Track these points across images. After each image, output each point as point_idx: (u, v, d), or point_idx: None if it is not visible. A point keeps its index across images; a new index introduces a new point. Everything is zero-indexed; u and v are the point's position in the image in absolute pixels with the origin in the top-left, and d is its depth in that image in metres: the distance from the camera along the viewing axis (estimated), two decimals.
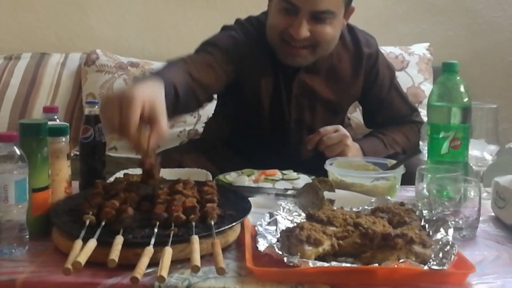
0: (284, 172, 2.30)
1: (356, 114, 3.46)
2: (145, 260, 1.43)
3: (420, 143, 2.18)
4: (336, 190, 2.03)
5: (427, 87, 3.49)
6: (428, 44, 3.72)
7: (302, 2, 2.35)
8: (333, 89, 2.72)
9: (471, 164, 2.02)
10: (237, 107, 2.77)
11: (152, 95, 1.79)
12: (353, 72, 2.71)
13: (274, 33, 2.50)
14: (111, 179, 2.14)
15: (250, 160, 2.65)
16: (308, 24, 2.38)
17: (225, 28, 2.69)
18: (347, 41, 2.72)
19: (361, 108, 3.21)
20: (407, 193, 2.18)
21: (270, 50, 2.60)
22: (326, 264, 1.46)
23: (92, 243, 1.49)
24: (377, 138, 2.61)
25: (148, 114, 1.72)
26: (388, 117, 2.81)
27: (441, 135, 1.93)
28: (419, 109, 3.41)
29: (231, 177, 2.27)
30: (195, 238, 1.53)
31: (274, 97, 2.67)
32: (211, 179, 2.21)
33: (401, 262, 1.43)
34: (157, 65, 3.56)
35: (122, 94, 1.72)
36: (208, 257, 1.51)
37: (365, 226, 1.58)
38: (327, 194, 1.93)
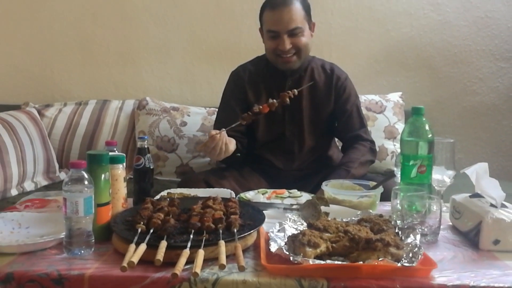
0: (290, 191, 2.30)
1: None
2: (183, 259, 1.44)
3: (395, 169, 2.17)
4: (330, 205, 2.04)
5: (400, 126, 3.47)
6: (401, 93, 3.71)
7: (280, 28, 2.63)
8: (313, 97, 2.83)
9: (434, 185, 2.02)
10: (251, 125, 2.84)
11: None
12: (326, 89, 2.85)
13: (270, 53, 2.77)
14: (158, 196, 2.15)
15: (264, 173, 2.84)
16: (288, 40, 2.65)
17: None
18: (327, 68, 2.90)
19: None
20: (384, 208, 2.17)
21: (262, 74, 2.87)
22: (322, 262, 1.47)
23: (143, 246, 1.51)
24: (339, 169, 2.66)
25: None
26: (345, 126, 2.87)
27: (410, 163, 1.93)
28: (394, 143, 3.43)
29: (249, 195, 2.27)
30: (222, 243, 1.54)
31: (272, 98, 2.78)
32: (234, 196, 2.22)
33: (380, 260, 1.44)
34: (194, 109, 3.62)
35: None
36: (232, 256, 1.51)
37: (353, 232, 1.58)
38: (323, 208, 1.94)
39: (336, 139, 3.09)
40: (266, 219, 1.81)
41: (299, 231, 1.62)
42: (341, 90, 2.85)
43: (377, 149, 2.97)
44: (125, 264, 1.41)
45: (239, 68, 2.97)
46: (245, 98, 2.87)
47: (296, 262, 1.46)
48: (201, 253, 1.47)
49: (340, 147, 3.04)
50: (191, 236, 1.59)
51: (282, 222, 1.80)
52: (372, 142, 2.86)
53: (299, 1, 2.66)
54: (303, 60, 2.76)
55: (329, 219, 1.81)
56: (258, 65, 2.90)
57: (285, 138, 2.84)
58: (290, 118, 2.82)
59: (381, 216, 1.81)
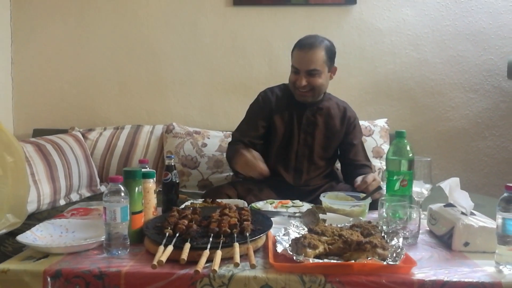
0: (293, 201, 2.31)
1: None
2: (204, 258, 1.45)
3: (381, 183, 2.17)
4: (327, 213, 2.04)
5: (386, 147, 3.46)
6: (386, 119, 3.71)
7: (300, 66, 2.64)
8: (328, 128, 2.81)
9: (414, 196, 2.01)
10: (269, 141, 2.88)
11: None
12: (339, 123, 2.83)
13: (291, 84, 2.75)
14: (182, 206, 2.16)
15: (275, 187, 2.77)
16: (305, 78, 2.64)
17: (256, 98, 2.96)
18: (340, 106, 2.88)
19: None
20: (373, 215, 2.17)
21: (287, 100, 2.83)
22: (320, 261, 1.47)
23: (170, 248, 1.52)
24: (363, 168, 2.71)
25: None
26: (351, 158, 2.85)
27: (394, 178, 1.93)
28: (381, 161, 3.43)
29: (259, 204, 2.27)
30: (236, 244, 1.55)
31: (289, 126, 2.81)
32: (247, 205, 2.23)
33: (369, 259, 1.45)
34: (213, 133, 3.63)
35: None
36: (244, 256, 1.52)
37: (346, 236, 1.59)
38: (321, 216, 1.94)
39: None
40: (273, 225, 1.82)
41: (301, 235, 1.63)
42: (351, 127, 2.86)
43: None
44: (155, 262, 1.43)
45: (268, 90, 2.93)
46: (270, 117, 2.83)
47: (298, 261, 1.47)
48: (219, 253, 1.49)
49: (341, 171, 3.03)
50: (211, 239, 1.61)
51: (286, 227, 1.81)
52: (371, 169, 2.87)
53: (324, 47, 2.66)
54: (316, 97, 2.75)
55: (326, 225, 1.82)
56: (284, 91, 2.88)
57: (297, 157, 2.81)
58: (304, 141, 2.80)
59: (369, 222, 1.82)
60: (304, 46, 2.65)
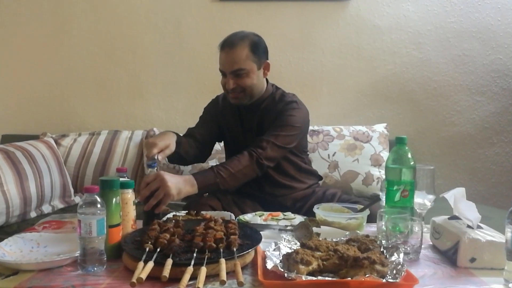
0: (284, 213, 2.30)
1: (335, 173, 3.45)
2: (187, 276, 1.44)
3: (380, 193, 2.17)
4: (321, 226, 2.04)
5: (385, 154, 3.48)
6: (385, 124, 3.72)
7: (225, 68, 2.63)
8: (264, 122, 2.72)
9: (416, 208, 2.02)
10: (226, 151, 2.98)
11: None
12: (274, 116, 2.69)
13: (223, 89, 2.74)
14: (164, 218, 2.15)
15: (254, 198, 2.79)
16: (232, 79, 2.61)
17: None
18: (276, 98, 2.76)
19: (340, 168, 3.35)
20: (371, 229, 2.17)
21: (232, 106, 2.82)
22: (314, 278, 1.47)
23: (151, 264, 1.51)
24: (210, 169, 2.43)
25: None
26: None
27: (394, 188, 1.93)
28: (380, 170, 3.44)
29: (247, 217, 2.27)
30: (223, 260, 1.54)
31: (235, 132, 2.84)
32: (234, 218, 2.22)
33: (367, 276, 1.44)
34: None
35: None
36: (231, 273, 1.51)
37: (342, 251, 1.59)
38: (315, 229, 1.94)
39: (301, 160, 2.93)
40: (262, 239, 1.81)
41: (293, 250, 1.62)
42: (281, 110, 2.69)
43: (266, 163, 2.60)
44: (134, 280, 1.41)
45: (220, 95, 2.98)
46: (218, 122, 2.90)
47: (290, 278, 1.46)
48: (203, 270, 1.48)
49: None
50: (194, 255, 1.60)
51: (277, 241, 1.80)
52: (263, 151, 2.56)
53: (248, 43, 2.60)
54: (250, 98, 2.68)
55: (320, 239, 1.81)
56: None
57: (246, 142, 2.73)
58: (248, 128, 2.80)
59: (367, 236, 1.82)
60: (225, 46, 2.63)
